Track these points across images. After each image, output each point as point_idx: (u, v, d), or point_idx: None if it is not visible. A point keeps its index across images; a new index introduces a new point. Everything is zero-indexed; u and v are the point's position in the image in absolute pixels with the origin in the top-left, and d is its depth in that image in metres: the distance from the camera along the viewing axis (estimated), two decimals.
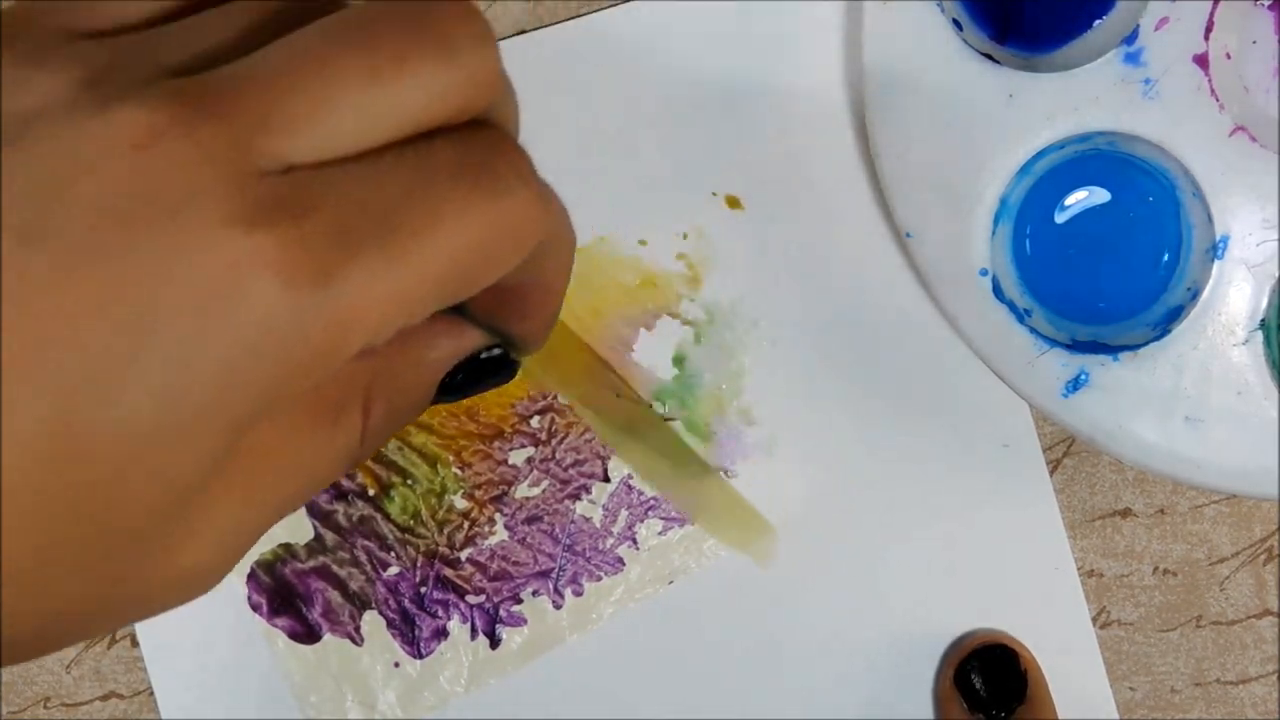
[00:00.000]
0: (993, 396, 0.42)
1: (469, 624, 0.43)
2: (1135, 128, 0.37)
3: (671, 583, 0.43)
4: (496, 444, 0.43)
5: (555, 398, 0.43)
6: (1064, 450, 0.43)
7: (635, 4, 0.42)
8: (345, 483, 0.43)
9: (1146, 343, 0.38)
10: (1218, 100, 0.37)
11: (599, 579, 0.43)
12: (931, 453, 0.43)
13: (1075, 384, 0.38)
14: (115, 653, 0.44)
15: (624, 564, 0.43)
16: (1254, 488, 0.38)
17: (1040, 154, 0.38)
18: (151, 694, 0.44)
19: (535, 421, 0.43)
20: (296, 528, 0.43)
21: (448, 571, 0.43)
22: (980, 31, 0.38)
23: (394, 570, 0.43)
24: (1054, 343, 0.38)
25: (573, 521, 0.43)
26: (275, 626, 0.43)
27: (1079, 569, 0.43)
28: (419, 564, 0.43)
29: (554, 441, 0.43)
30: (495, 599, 0.43)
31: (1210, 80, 0.37)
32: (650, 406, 0.43)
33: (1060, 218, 0.39)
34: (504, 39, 0.43)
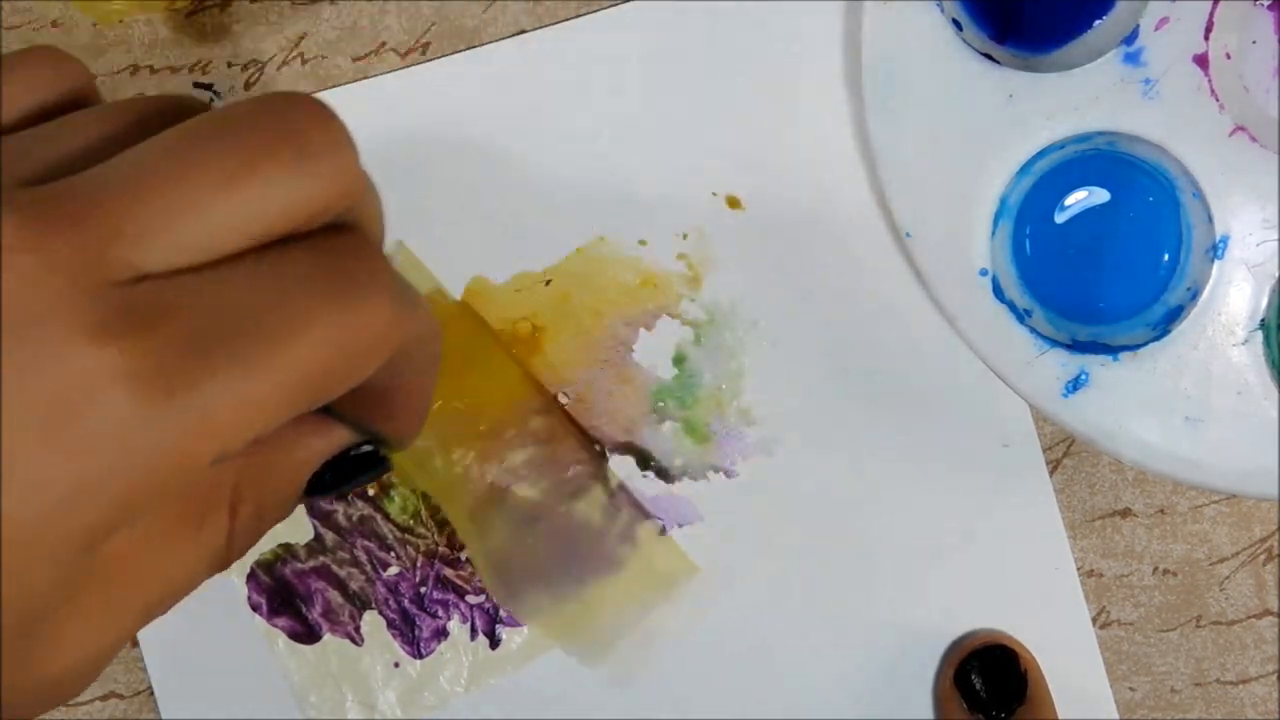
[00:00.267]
0: (993, 396, 0.42)
1: (469, 624, 0.43)
2: (1135, 128, 0.37)
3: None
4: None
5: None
6: (1064, 450, 0.43)
7: (635, 4, 0.42)
8: None
9: (1146, 343, 0.38)
10: (1218, 100, 0.37)
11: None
12: (931, 453, 0.43)
13: (1075, 384, 0.38)
14: None
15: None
16: (1254, 488, 0.38)
17: (1040, 154, 0.38)
18: (151, 694, 0.44)
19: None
20: (296, 528, 0.43)
21: (448, 571, 0.43)
22: (980, 31, 0.38)
23: (394, 570, 0.43)
24: (1054, 343, 0.38)
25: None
26: (275, 626, 0.43)
27: (1079, 569, 0.43)
28: (419, 564, 0.43)
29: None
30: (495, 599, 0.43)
31: (1210, 80, 0.37)
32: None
33: (1060, 218, 0.39)
34: (504, 39, 0.43)
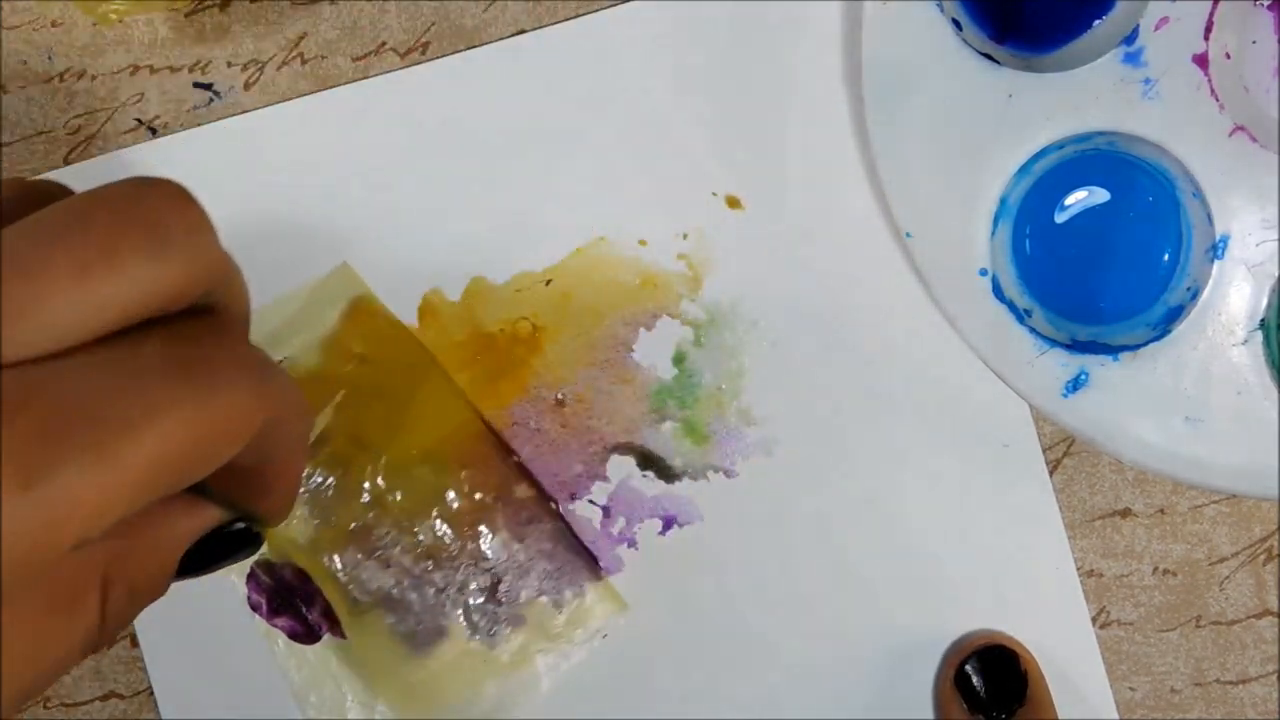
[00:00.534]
0: (993, 396, 0.42)
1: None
2: (1135, 128, 0.37)
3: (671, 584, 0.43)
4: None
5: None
6: (1064, 450, 0.43)
7: (635, 4, 0.42)
8: None
9: (1146, 343, 0.38)
10: (1218, 100, 0.37)
11: (599, 579, 0.43)
12: (931, 453, 0.43)
13: (1075, 384, 0.38)
14: (115, 653, 0.44)
15: (623, 564, 0.43)
16: (1254, 488, 0.38)
17: (1040, 154, 0.38)
18: (151, 694, 0.44)
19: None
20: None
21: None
22: (980, 31, 0.38)
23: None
24: (1054, 343, 0.38)
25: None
26: (275, 626, 0.43)
27: (1079, 569, 0.43)
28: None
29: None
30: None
31: (1210, 80, 0.37)
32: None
33: (1060, 218, 0.39)
34: (504, 39, 0.43)
